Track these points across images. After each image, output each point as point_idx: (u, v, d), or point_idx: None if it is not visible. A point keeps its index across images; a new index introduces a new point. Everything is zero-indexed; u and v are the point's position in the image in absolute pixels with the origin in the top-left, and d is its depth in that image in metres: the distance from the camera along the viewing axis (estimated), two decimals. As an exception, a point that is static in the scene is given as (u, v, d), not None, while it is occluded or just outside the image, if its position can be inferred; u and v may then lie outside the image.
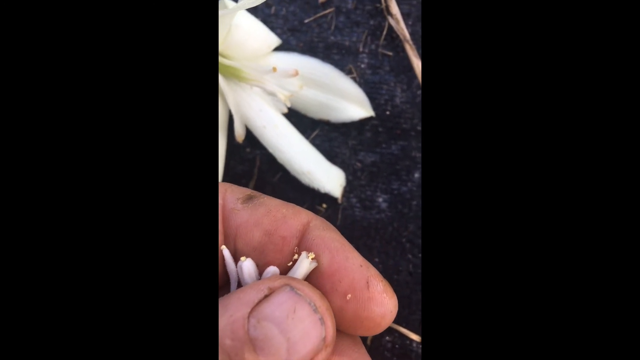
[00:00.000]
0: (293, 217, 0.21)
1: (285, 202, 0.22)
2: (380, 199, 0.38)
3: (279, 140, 0.35)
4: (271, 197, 0.22)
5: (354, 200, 0.38)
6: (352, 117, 0.37)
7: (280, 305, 0.18)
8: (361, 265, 0.20)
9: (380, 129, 0.38)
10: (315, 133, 0.39)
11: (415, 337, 0.36)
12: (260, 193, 0.23)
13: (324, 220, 0.22)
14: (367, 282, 0.20)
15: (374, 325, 0.20)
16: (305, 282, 0.20)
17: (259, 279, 0.21)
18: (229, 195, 0.22)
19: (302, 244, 0.21)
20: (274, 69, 0.30)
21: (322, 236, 0.21)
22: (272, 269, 0.20)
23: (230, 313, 0.17)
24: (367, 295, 0.20)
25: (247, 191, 0.22)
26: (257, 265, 0.21)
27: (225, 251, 0.21)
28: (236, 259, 0.21)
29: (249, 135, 0.37)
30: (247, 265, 0.20)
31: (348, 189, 0.38)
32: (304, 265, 0.20)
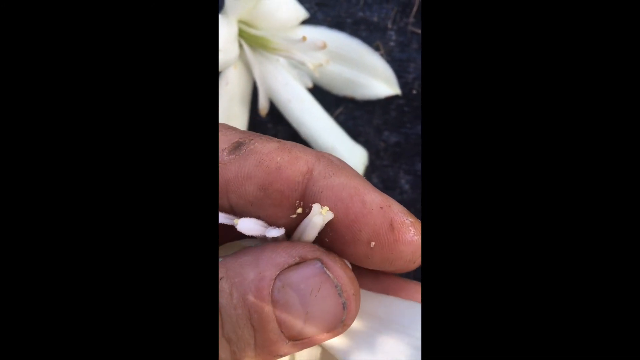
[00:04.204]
0: (290, 167, 0.18)
1: (282, 144, 0.19)
2: (402, 180, 0.37)
3: (303, 115, 0.35)
4: (266, 138, 0.19)
5: (376, 180, 0.37)
6: (378, 95, 0.36)
7: (307, 279, 0.18)
8: (381, 207, 0.18)
9: (405, 109, 0.38)
10: (339, 111, 0.38)
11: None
12: (254, 134, 0.20)
13: (330, 159, 0.19)
14: (391, 224, 0.18)
15: (406, 262, 0.19)
16: (340, 260, 0.18)
17: (266, 228, 0.19)
18: (220, 144, 0.19)
19: (307, 197, 0.19)
20: (304, 38, 0.30)
21: (329, 186, 0.18)
22: (276, 231, 0.19)
23: (260, 270, 0.17)
24: (392, 238, 0.18)
25: (236, 136, 0.19)
26: (259, 217, 0.19)
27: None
28: (234, 214, 0.19)
29: (271, 110, 0.36)
30: (244, 226, 0.18)
31: (370, 169, 0.37)
32: (317, 221, 0.18)
